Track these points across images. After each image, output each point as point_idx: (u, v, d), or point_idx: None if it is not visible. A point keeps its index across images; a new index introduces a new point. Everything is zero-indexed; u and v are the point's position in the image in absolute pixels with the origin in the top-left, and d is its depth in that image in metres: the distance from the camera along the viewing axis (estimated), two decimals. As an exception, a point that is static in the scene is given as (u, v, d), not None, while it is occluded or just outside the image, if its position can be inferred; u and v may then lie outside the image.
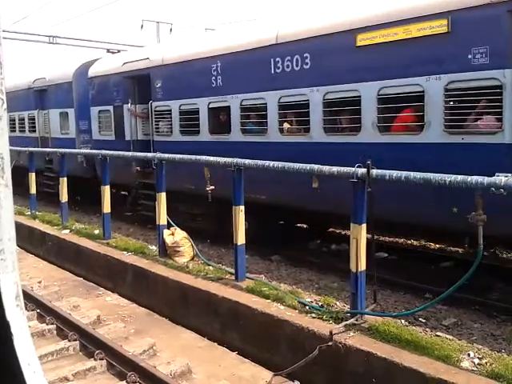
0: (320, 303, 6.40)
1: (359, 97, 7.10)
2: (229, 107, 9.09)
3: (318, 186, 6.36)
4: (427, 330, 5.68)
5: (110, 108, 12.30)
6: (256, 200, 8.20)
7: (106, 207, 10.18)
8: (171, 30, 25.48)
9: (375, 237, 6.15)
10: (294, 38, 7.98)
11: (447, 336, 5.46)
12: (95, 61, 13.77)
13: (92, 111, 13.06)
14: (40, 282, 8.86)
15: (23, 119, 17.40)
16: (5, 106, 0.87)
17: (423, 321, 5.94)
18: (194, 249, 8.71)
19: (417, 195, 6.24)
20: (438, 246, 9.33)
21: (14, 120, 17.80)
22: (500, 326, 5.83)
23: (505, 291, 6.75)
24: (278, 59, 8.08)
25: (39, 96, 16.16)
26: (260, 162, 7.02)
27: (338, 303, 6.42)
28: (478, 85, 5.86)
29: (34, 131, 16.50)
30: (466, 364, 4.75)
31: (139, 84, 11.59)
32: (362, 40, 7.04)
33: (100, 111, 12.78)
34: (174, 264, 8.37)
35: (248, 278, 7.40)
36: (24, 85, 16.98)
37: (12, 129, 17.68)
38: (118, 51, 20.22)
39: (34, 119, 16.59)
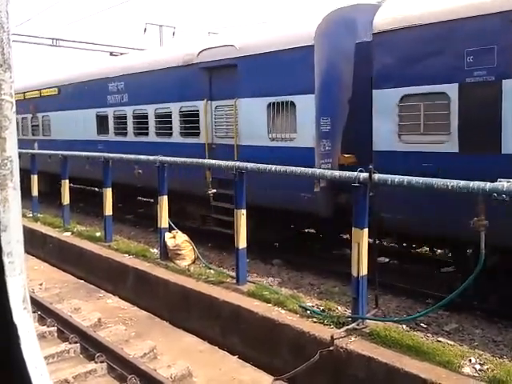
0: (321, 308, 6.40)
1: None
2: None
3: None
4: (428, 335, 5.68)
5: (451, 89, 6.21)
6: None
7: (108, 209, 10.19)
8: (174, 33, 25.59)
9: (376, 241, 6.14)
10: None
11: (448, 341, 5.45)
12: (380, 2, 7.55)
13: (379, 97, 6.94)
14: (41, 284, 8.86)
15: (167, 115, 10.53)
16: (14, 109, 0.88)
17: (425, 326, 5.93)
18: (196, 252, 8.71)
19: None
20: (439, 251, 9.31)
21: (145, 117, 11.19)
22: (501, 332, 5.82)
23: (506, 297, 6.73)
24: None
25: (209, 77, 9.54)
26: (262, 166, 7.02)
27: (339, 308, 6.41)
28: None
29: (195, 134, 9.82)
30: (467, 370, 4.74)
31: None
32: None
33: (405, 97, 6.73)
34: (176, 267, 8.36)
35: (249, 281, 7.40)
36: (173, 60, 10.40)
37: (141, 131, 11.51)
38: (121, 54, 20.26)
39: (194, 115, 9.84)
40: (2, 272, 0.86)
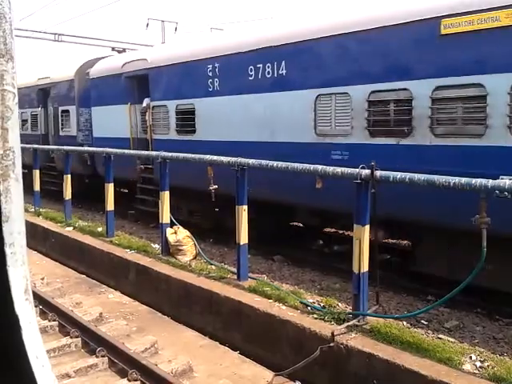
0: (322, 304, 6.40)
1: None
2: None
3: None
4: (429, 332, 5.68)
5: None
6: None
7: (110, 205, 10.19)
8: (176, 28, 25.50)
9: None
10: None
11: (449, 338, 5.45)
12: None
13: None
14: (43, 279, 8.87)
15: None
16: (16, 100, 0.88)
17: (425, 323, 5.93)
18: (197, 248, 8.72)
19: None
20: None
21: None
22: (502, 329, 5.82)
23: (507, 294, 6.73)
24: None
25: None
26: (264, 162, 7.01)
27: (339, 304, 6.42)
28: None
29: None
30: (467, 367, 4.74)
31: None
32: None
33: None
34: (177, 262, 8.38)
35: (250, 277, 7.41)
36: None
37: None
38: (124, 50, 20.23)
39: None
40: (3, 263, 0.86)
